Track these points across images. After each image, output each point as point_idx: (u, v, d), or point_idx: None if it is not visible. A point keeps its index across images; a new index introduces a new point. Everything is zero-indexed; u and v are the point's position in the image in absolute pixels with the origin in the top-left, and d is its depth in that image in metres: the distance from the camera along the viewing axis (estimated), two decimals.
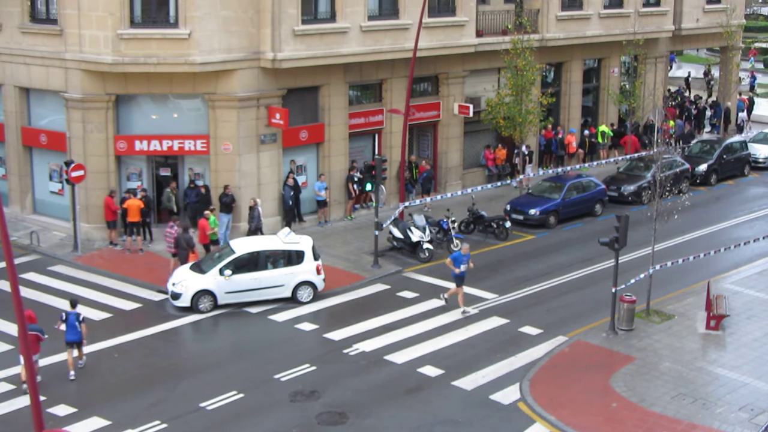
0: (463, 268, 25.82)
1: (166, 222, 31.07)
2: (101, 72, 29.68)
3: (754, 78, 60.25)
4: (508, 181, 36.78)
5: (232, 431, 19.55)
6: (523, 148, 37.81)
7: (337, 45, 31.49)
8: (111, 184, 30.40)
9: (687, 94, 55.44)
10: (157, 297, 26.62)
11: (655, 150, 27.37)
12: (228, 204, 30.15)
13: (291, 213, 31.63)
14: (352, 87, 33.80)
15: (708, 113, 50.11)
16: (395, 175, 34.17)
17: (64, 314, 21.90)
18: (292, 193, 31.40)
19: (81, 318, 21.72)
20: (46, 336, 21.20)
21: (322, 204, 32.97)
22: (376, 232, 29.15)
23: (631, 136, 42.01)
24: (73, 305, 22.05)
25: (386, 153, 34.10)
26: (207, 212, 28.88)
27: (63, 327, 21.77)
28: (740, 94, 51.40)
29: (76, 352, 21.85)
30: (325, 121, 32.92)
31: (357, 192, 33.65)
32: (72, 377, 21.67)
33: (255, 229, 29.89)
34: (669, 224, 26.65)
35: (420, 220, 30.49)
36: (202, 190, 30.63)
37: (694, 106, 50.32)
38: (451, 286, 26.04)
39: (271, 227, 30.77)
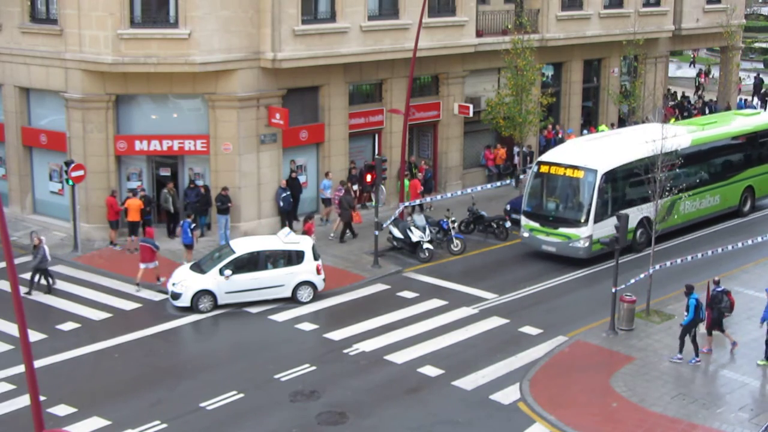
0: None
1: (165, 222, 31.16)
2: (101, 72, 29.69)
3: None
4: (508, 181, 36.76)
5: (232, 431, 19.56)
6: (524, 147, 37.76)
7: (337, 45, 31.48)
8: (111, 184, 30.40)
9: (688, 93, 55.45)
10: (157, 297, 26.63)
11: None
12: (220, 207, 30.02)
13: (285, 214, 31.51)
14: (352, 87, 33.80)
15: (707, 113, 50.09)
16: (395, 175, 34.16)
17: (182, 221, 28.51)
18: (283, 195, 31.23)
19: (192, 226, 28.09)
20: (158, 246, 27.20)
21: (327, 203, 32.95)
22: (376, 232, 29.15)
23: None
24: (194, 218, 28.78)
25: (386, 153, 34.08)
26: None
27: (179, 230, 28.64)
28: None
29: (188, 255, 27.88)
30: (325, 121, 32.91)
31: (358, 192, 33.64)
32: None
33: (35, 270, 26.39)
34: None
35: (420, 220, 30.49)
36: (202, 190, 30.61)
37: (693, 107, 50.31)
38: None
39: (270, 227, 30.76)
